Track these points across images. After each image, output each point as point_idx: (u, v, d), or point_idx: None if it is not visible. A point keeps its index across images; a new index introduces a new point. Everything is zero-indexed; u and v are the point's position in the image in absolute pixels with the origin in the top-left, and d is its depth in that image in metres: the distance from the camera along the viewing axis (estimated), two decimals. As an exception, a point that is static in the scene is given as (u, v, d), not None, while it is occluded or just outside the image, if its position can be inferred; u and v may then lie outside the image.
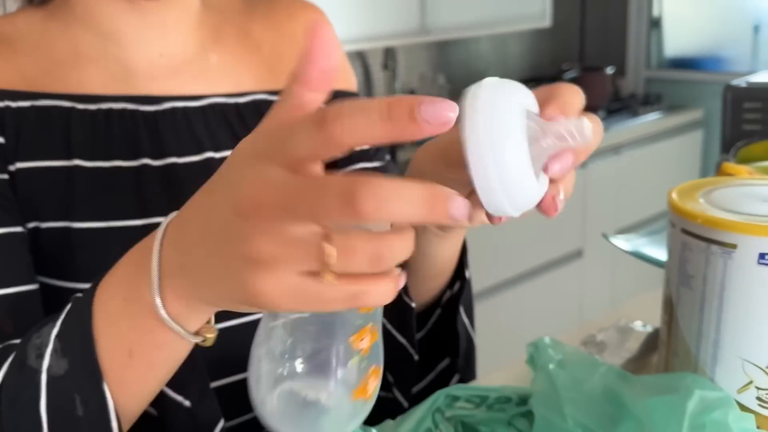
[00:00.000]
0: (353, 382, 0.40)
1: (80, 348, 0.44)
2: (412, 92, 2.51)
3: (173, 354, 0.45)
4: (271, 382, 0.41)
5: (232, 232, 0.32)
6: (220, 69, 0.71)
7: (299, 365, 0.40)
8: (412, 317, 0.66)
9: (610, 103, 2.89)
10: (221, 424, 0.55)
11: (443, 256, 0.64)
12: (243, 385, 0.56)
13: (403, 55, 2.60)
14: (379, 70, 2.55)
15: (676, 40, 3.27)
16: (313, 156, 0.31)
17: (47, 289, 0.58)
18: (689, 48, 3.24)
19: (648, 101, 3.00)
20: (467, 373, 0.70)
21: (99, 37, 0.65)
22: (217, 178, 0.36)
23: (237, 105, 0.70)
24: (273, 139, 0.33)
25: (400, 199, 0.27)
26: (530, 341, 0.60)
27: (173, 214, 0.40)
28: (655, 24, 3.26)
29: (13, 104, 0.60)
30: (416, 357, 0.68)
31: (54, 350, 0.45)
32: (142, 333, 0.43)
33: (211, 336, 0.43)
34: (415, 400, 0.66)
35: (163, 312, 0.40)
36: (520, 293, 2.47)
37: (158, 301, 0.39)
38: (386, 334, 0.69)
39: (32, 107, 0.61)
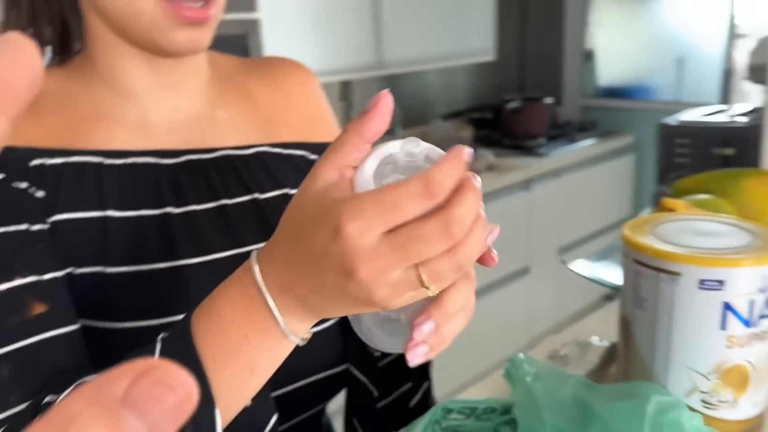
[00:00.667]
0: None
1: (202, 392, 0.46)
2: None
3: (281, 358, 0.48)
4: (369, 315, 0.49)
5: (351, 291, 0.40)
6: (227, 124, 0.72)
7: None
8: (375, 362, 0.70)
9: (550, 130, 2.90)
10: (275, 418, 0.57)
11: None
12: (288, 394, 0.66)
13: (359, 87, 2.59)
14: (336, 100, 2.49)
15: (608, 71, 3.33)
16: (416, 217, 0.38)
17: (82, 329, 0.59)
18: (620, 78, 3.31)
19: (584, 128, 3.04)
20: (429, 392, 0.74)
21: (119, 95, 0.67)
22: (320, 254, 0.40)
23: (244, 156, 0.71)
24: (375, 210, 0.38)
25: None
26: (505, 357, 0.62)
27: (253, 265, 0.45)
28: (589, 57, 3.32)
29: (48, 161, 0.61)
30: (376, 394, 0.71)
31: None
32: (268, 354, 0.47)
33: (308, 337, 0.47)
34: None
35: (293, 337, 0.45)
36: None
37: (289, 332, 0.44)
38: (351, 375, 0.73)
39: (66, 164, 0.62)
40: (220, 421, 0.46)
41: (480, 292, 2.45)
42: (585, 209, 2.87)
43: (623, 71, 3.35)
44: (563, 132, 2.98)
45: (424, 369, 0.73)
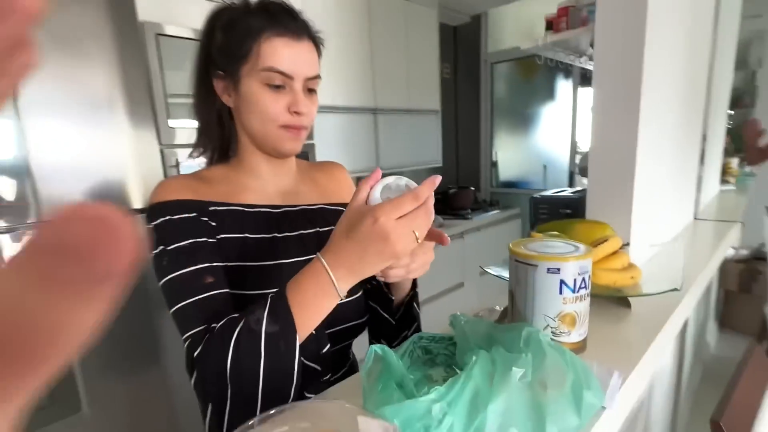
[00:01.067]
0: None
1: (285, 318, 0.48)
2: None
3: (332, 307, 0.50)
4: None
5: (385, 251, 0.45)
6: (305, 193, 0.71)
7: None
8: (392, 304, 0.70)
9: (473, 205, 2.94)
10: (328, 344, 0.59)
11: (404, 285, 0.69)
12: (334, 332, 0.65)
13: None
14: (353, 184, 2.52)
15: (504, 172, 3.38)
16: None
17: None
18: (511, 176, 3.36)
19: (492, 204, 3.10)
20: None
21: (253, 177, 0.66)
22: (365, 234, 0.45)
23: (312, 209, 0.70)
24: (393, 208, 0.44)
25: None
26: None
27: (318, 257, 0.48)
28: (494, 164, 3.38)
29: (218, 208, 0.61)
30: (393, 322, 0.71)
31: (268, 321, 0.48)
32: (327, 304, 0.49)
33: (345, 296, 0.49)
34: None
35: (342, 295, 0.48)
36: (428, 311, 2.42)
37: (341, 291, 0.48)
38: (376, 313, 0.72)
39: (226, 210, 0.62)
40: (298, 339, 0.48)
41: (432, 298, 2.47)
42: (493, 248, 2.85)
43: (512, 172, 3.37)
44: (481, 206, 3.02)
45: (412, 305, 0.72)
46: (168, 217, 0.56)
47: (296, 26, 0.58)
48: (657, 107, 0.93)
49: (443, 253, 2.53)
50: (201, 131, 0.66)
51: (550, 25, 1.18)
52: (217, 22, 0.60)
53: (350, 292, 0.67)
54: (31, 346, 0.09)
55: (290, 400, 0.49)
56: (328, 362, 0.61)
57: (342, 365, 0.72)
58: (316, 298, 0.48)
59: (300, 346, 0.49)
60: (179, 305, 0.53)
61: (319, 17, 1.93)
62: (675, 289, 0.62)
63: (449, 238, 0.54)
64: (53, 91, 1.02)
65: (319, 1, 1.98)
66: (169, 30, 1.26)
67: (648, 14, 0.79)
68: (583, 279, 0.54)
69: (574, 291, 0.53)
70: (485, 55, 3.28)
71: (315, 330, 0.52)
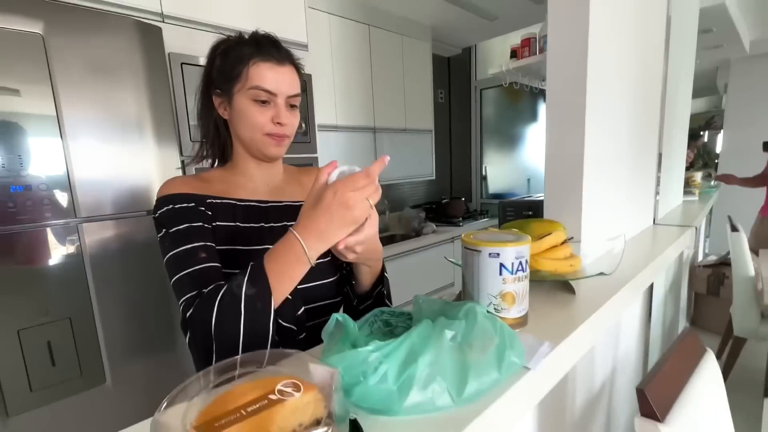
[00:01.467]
0: None
1: (262, 282, 0.50)
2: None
3: (304, 272, 0.52)
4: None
5: (347, 216, 0.48)
6: (290, 192, 0.73)
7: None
8: (354, 288, 0.71)
9: (464, 214, 2.95)
10: (303, 308, 0.60)
11: (371, 271, 0.68)
12: (315, 308, 0.67)
13: None
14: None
15: (493, 185, 3.39)
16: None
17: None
18: (499, 188, 3.37)
19: (481, 213, 3.10)
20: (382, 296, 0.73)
21: (245, 177, 0.69)
22: (328, 203, 0.48)
23: (296, 205, 0.71)
24: (350, 183, 0.48)
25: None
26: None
27: (291, 229, 0.50)
28: (484, 177, 3.40)
29: (214, 201, 0.64)
30: (354, 303, 0.72)
31: (247, 285, 0.50)
32: (299, 269, 0.51)
33: (314, 263, 0.51)
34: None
35: (312, 261, 0.50)
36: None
37: (311, 257, 0.50)
38: (347, 297, 0.73)
39: (221, 203, 0.65)
40: (273, 300, 0.50)
41: (429, 295, 2.48)
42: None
43: (500, 185, 3.38)
44: (471, 215, 3.03)
45: (379, 286, 0.71)
46: (170, 206, 0.60)
47: (279, 54, 0.63)
48: (603, 124, 0.96)
49: (436, 256, 2.54)
50: (202, 139, 0.70)
51: (515, 54, 1.22)
52: (217, 50, 0.65)
53: (327, 275, 0.69)
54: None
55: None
56: (303, 323, 0.62)
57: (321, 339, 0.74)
58: (289, 264, 0.50)
59: (278, 309, 0.51)
60: (177, 276, 0.56)
61: (325, 48, 2.04)
62: (602, 273, 0.64)
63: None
64: (91, 114, 1.08)
65: (325, 34, 2.06)
66: (192, 59, 1.34)
67: (589, 45, 0.83)
68: (520, 263, 0.56)
69: (512, 273, 0.55)
70: (475, 82, 3.33)
71: (290, 295, 0.54)
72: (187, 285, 0.55)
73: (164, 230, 0.59)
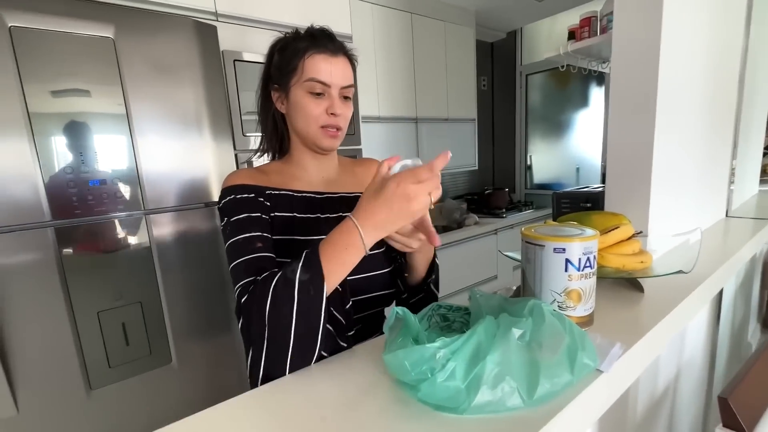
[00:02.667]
0: None
1: (315, 268, 0.50)
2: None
3: (358, 260, 0.52)
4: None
5: (407, 208, 0.47)
6: (345, 183, 0.75)
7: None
8: (405, 280, 0.72)
9: (508, 206, 2.86)
10: (351, 302, 0.61)
11: (424, 257, 0.69)
12: (369, 298, 0.68)
13: None
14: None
15: (538, 175, 3.26)
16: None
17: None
18: (545, 178, 3.23)
19: (526, 204, 2.98)
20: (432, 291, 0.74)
21: (301, 169, 0.71)
22: (390, 194, 0.47)
23: (350, 197, 0.73)
24: (412, 176, 0.47)
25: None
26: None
27: (349, 216, 0.50)
28: (528, 167, 3.27)
29: (273, 192, 0.66)
30: (404, 296, 0.73)
31: (301, 271, 0.50)
32: (354, 255, 0.50)
33: (369, 251, 0.51)
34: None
35: (367, 249, 0.50)
36: (463, 299, 2.42)
37: (366, 244, 0.50)
38: (398, 289, 0.73)
39: (279, 194, 0.66)
40: (326, 286, 0.51)
41: (467, 289, 2.42)
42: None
43: (546, 175, 3.24)
44: (515, 206, 2.92)
45: (428, 280, 0.72)
46: (233, 196, 0.63)
47: (333, 46, 0.64)
48: (674, 107, 0.88)
49: (479, 248, 2.49)
50: (263, 133, 0.72)
51: (573, 35, 1.14)
52: (275, 47, 0.68)
53: (382, 266, 0.69)
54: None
55: (317, 343, 0.51)
56: (351, 317, 0.62)
57: (379, 327, 0.74)
58: (344, 250, 0.50)
59: (328, 297, 0.51)
60: (234, 263, 0.58)
61: (368, 39, 2.02)
62: (681, 272, 0.59)
63: (439, 240, 0.57)
64: (156, 111, 1.15)
65: (369, 25, 2.04)
66: (245, 56, 1.38)
67: (663, 20, 0.76)
68: (588, 259, 0.53)
69: (578, 269, 0.52)
70: (520, 67, 3.18)
71: (340, 287, 0.55)
72: (242, 271, 0.56)
73: (226, 219, 0.62)
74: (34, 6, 0.94)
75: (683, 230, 0.95)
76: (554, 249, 0.53)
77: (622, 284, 0.73)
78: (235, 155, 1.36)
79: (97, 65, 1.03)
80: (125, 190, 1.10)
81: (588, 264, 0.53)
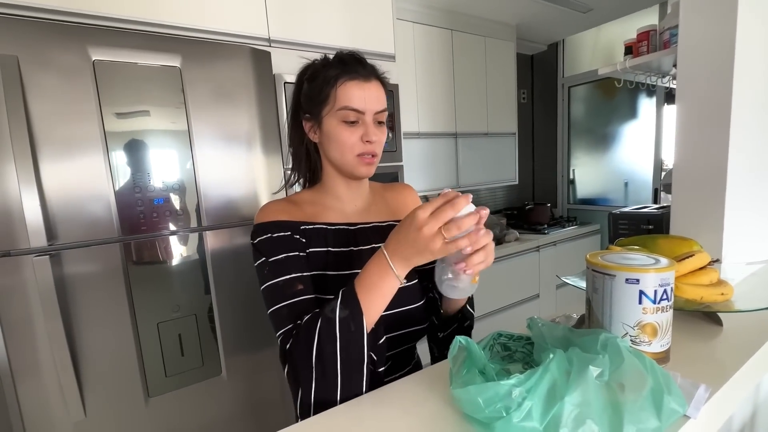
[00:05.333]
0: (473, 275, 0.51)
1: (353, 304, 0.51)
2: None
3: (393, 291, 0.52)
4: (440, 272, 0.54)
5: (428, 246, 0.48)
6: (376, 212, 0.73)
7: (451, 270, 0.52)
8: (440, 315, 0.70)
9: (549, 221, 2.79)
10: (384, 337, 0.59)
11: (457, 303, 0.68)
12: (401, 335, 0.67)
13: None
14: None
15: (582, 189, 3.14)
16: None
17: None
18: (589, 193, 3.11)
19: (569, 220, 2.89)
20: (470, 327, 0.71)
21: (334, 198, 0.69)
22: (410, 235, 0.48)
23: (382, 226, 0.71)
24: (425, 208, 0.47)
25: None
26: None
27: (381, 248, 0.51)
28: (572, 182, 3.17)
29: (307, 227, 0.64)
30: (440, 336, 0.71)
31: (340, 308, 0.51)
32: (388, 286, 0.51)
33: (404, 282, 0.52)
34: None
35: (402, 279, 0.51)
36: (503, 319, 2.33)
37: (401, 276, 0.51)
38: (432, 321, 0.72)
39: (313, 228, 0.65)
40: (365, 319, 0.51)
41: (507, 307, 2.38)
42: (569, 262, 2.66)
43: (590, 189, 3.10)
44: (558, 222, 2.83)
45: (466, 316, 0.70)
46: (269, 235, 0.61)
47: (365, 71, 0.62)
48: (750, 123, 0.82)
49: (520, 266, 2.41)
50: (294, 163, 0.70)
51: (629, 50, 1.10)
52: (304, 75, 0.65)
53: (414, 299, 0.68)
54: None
55: (363, 378, 0.51)
56: (383, 354, 0.60)
57: (409, 362, 0.73)
58: (380, 281, 0.51)
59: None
60: (275, 307, 0.57)
61: (409, 57, 2.06)
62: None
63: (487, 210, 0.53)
64: (213, 129, 1.22)
65: (410, 43, 2.08)
66: (293, 79, 1.43)
67: (737, 33, 0.71)
68: (665, 291, 0.50)
69: (654, 302, 0.50)
70: (562, 80, 3.10)
71: (375, 325, 0.54)
72: (285, 317, 0.56)
73: (263, 258, 0.60)
74: (113, 42, 1.03)
75: (761, 257, 0.88)
76: (626, 279, 0.50)
77: (696, 316, 0.68)
78: (285, 172, 1.40)
79: (164, 92, 1.11)
80: (185, 209, 1.17)
81: (665, 296, 0.50)
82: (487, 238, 0.51)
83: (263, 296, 0.59)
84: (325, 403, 0.51)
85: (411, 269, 0.52)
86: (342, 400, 0.51)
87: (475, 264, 0.50)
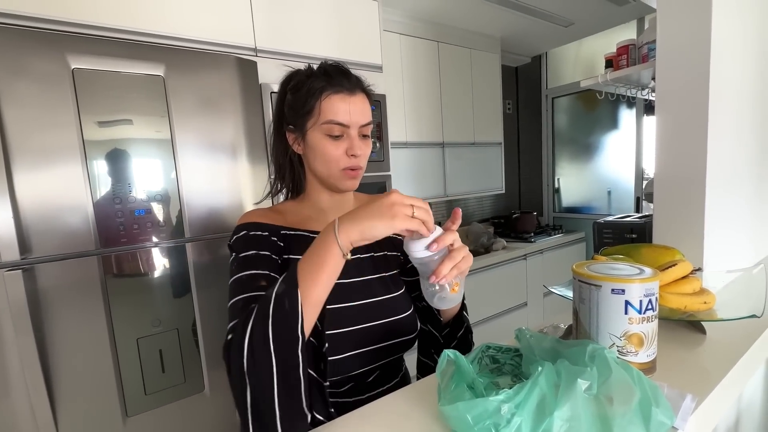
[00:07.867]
0: (451, 285, 0.51)
1: (290, 279, 0.48)
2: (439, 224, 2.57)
3: (338, 270, 0.49)
4: (429, 293, 0.52)
5: (385, 217, 0.47)
6: None
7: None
8: (440, 323, 0.69)
9: (536, 230, 2.81)
10: (326, 344, 0.56)
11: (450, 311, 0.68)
12: (388, 345, 0.65)
13: (434, 207, 2.57)
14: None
15: (567, 198, 3.19)
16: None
17: None
18: (573, 202, 3.15)
19: (555, 229, 2.92)
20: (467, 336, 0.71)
21: (317, 209, 0.68)
22: (374, 204, 0.47)
23: None
24: (406, 200, 0.48)
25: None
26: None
27: (338, 218, 0.49)
28: (557, 190, 3.22)
29: (288, 233, 0.63)
30: (441, 340, 0.69)
31: (278, 285, 0.48)
32: (332, 263, 0.48)
33: (349, 256, 0.48)
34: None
35: (345, 250, 0.48)
36: (491, 327, 2.34)
37: (346, 250, 0.48)
38: (427, 331, 0.71)
39: (293, 234, 0.63)
40: (302, 298, 0.46)
41: (496, 316, 2.37)
42: (556, 270, 2.68)
43: (575, 198, 3.15)
44: (544, 230, 2.86)
45: (461, 322, 0.69)
46: (245, 233, 0.61)
47: (350, 83, 0.61)
48: (726, 133, 0.84)
49: (508, 274, 2.43)
50: (276, 174, 0.69)
51: (610, 63, 1.13)
52: (287, 84, 0.64)
53: (400, 311, 0.65)
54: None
55: (302, 376, 0.47)
56: (325, 373, 0.56)
57: (396, 374, 0.71)
58: (323, 252, 0.48)
59: (301, 351, 0.46)
60: (233, 300, 0.54)
61: (395, 68, 2.07)
62: (754, 316, 0.55)
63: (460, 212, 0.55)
64: (198, 139, 1.20)
65: (396, 54, 2.10)
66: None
67: (712, 44, 0.74)
68: (650, 301, 0.50)
69: (640, 312, 0.50)
70: (546, 91, 3.18)
71: (316, 340, 0.52)
72: (239, 309, 0.52)
73: (234, 254, 0.59)
74: (94, 50, 1.01)
75: (741, 265, 0.90)
76: (612, 290, 0.50)
77: (680, 324, 0.68)
78: (270, 181, 1.39)
79: (147, 101, 1.08)
80: (168, 219, 1.14)
81: (650, 306, 0.50)
82: (451, 237, 0.50)
83: (228, 291, 0.56)
84: (263, 401, 0.45)
85: (397, 273, 0.51)
86: (281, 404, 0.45)
87: (443, 274, 0.49)
